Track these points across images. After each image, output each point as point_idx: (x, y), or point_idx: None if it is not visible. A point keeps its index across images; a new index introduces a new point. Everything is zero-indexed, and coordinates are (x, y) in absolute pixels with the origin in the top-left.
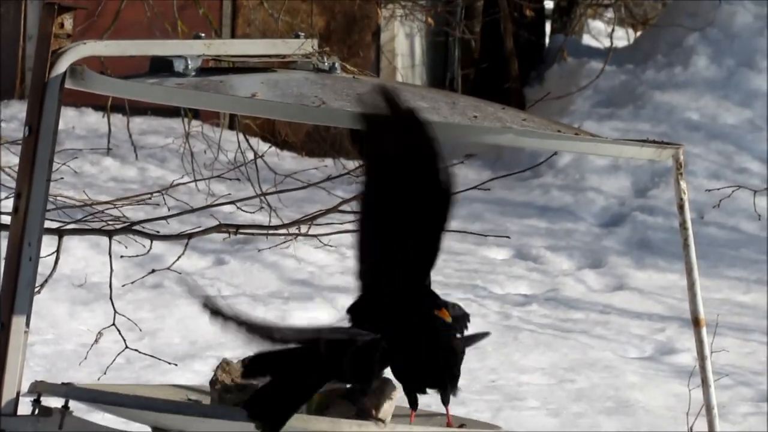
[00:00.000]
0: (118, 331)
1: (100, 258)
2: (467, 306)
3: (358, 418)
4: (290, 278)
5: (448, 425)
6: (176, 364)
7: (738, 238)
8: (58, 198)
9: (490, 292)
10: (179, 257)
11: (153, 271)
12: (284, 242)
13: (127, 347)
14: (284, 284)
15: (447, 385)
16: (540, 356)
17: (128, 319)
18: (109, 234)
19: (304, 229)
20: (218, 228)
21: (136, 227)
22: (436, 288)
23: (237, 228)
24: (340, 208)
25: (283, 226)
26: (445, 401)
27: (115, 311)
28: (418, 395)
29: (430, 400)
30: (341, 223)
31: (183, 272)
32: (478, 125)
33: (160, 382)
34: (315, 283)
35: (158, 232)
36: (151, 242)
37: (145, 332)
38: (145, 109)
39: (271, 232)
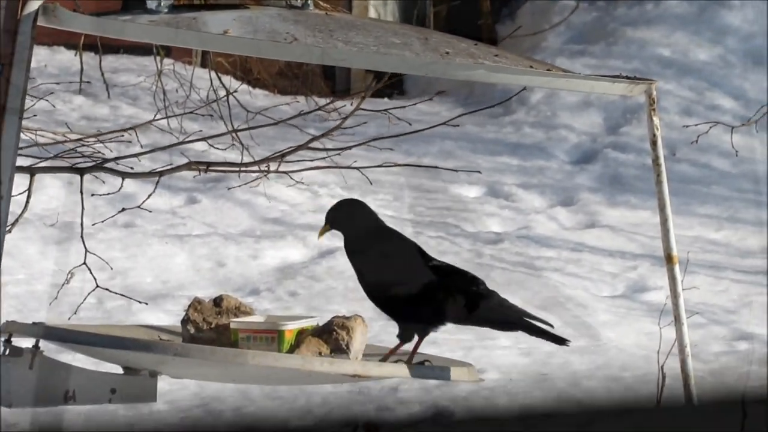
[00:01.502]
0: (89, 270)
1: (72, 197)
2: (439, 244)
3: (332, 355)
4: (262, 216)
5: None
6: (147, 303)
7: (710, 175)
8: (30, 134)
9: (462, 230)
10: (149, 196)
11: (123, 209)
12: (254, 180)
13: (98, 286)
14: (256, 222)
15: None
16: (512, 295)
17: (100, 258)
18: (81, 171)
19: (274, 166)
20: (188, 165)
21: (108, 165)
22: (408, 225)
23: (207, 165)
24: (311, 145)
25: (253, 163)
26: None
27: (86, 250)
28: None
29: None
30: (312, 161)
31: (154, 211)
32: (451, 61)
33: (131, 322)
34: (287, 221)
35: (132, 168)
36: (123, 180)
37: (116, 271)
38: (117, 47)
39: (241, 169)
